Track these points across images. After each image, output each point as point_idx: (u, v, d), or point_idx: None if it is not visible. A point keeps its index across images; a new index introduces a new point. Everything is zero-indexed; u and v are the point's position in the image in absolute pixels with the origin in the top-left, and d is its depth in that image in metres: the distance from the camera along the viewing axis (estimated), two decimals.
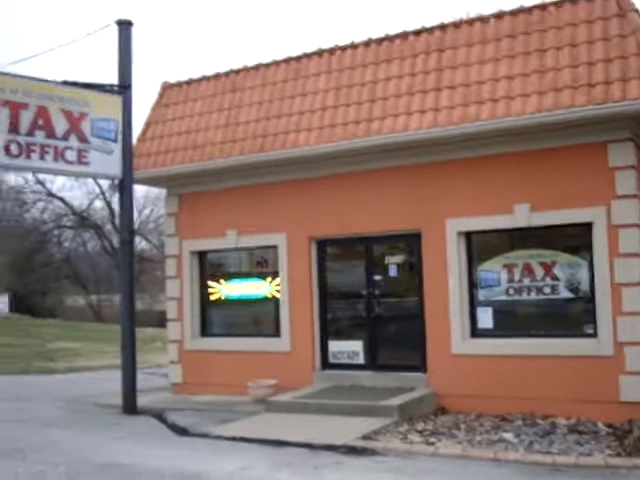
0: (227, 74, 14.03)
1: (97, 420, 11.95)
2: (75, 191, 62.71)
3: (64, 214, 47.87)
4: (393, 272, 12.49)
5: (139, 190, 38.13)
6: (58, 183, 47.10)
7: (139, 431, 10.94)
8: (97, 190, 45.69)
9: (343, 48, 12.82)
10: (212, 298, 14.28)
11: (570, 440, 9.38)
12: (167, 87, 14.78)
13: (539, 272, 11.16)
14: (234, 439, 9.84)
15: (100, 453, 9.33)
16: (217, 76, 14.16)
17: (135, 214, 25.50)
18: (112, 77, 13.09)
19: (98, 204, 47.45)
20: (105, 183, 41.86)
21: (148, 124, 14.59)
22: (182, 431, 10.67)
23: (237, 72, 13.93)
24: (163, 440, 10.13)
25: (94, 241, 49.67)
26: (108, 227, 47.25)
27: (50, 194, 46.27)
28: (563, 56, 10.68)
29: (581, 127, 10.59)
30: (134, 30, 12.68)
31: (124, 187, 12.52)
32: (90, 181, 42.99)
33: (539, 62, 10.81)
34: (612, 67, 10.29)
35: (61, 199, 46.77)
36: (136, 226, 35.55)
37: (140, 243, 45.66)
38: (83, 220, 47.55)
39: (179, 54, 75.88)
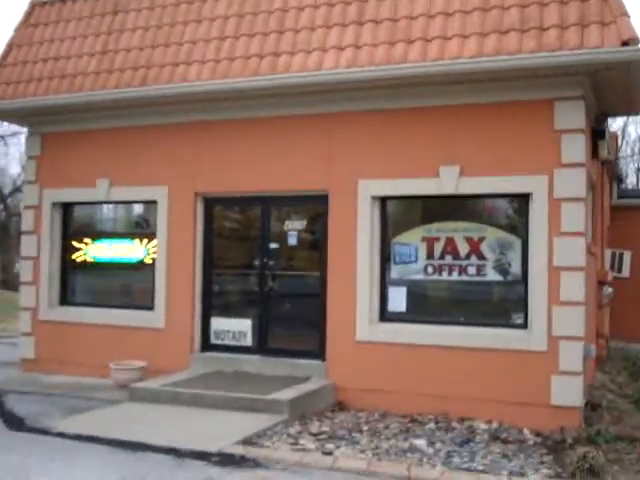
0: None
1: None
2: None
3: None
4: (292, 240, 10.52)
5: None
6: None
7: None
8: None
9: None
10: (76, 260, 11.94)
11: (494, 451, 7.72)
12: (37, 5, 12.23)
13: (464, 249, 9.46)
14: (80, 437, 7.70)
15: None
16: None
17: None
18: None
19: None
20: None
21: (10, 47, 12.04)
22: (17, 423, 8.44)
23: None
24: None
25: None
26: None
27: None
28: None
29: (526, 79, 8.91)
30: None
31: None
32: None
33: None
34: (568, 9, 8.63)
35: None
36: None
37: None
38: None
39: None
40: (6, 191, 40.95)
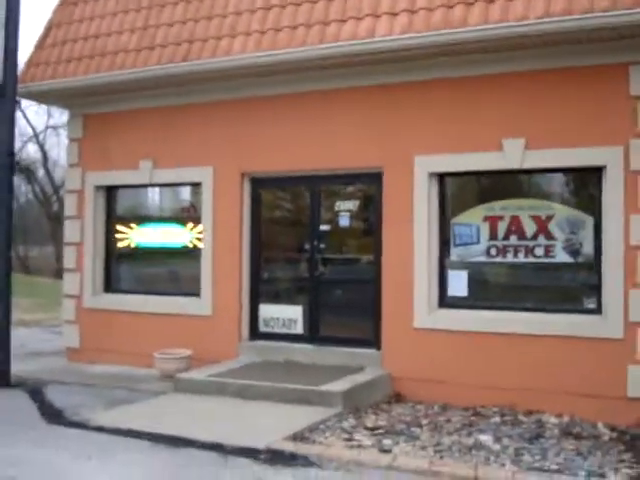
0: None
1: None
2: None
3: None
4: (345, 222, 9.90)
5: None
6: None
7: None
8: (30, 132, 42.04)
9: None
10: (120, 245, 11.53)
11: (568, 448, 7.00)
12: None
13: (530, 228, 8.72)
14: (119, 432, 7.21)
15: None
16: None
17: None
18: None
19: (31, 148, 43.73)
20: (40, 124, 38.26)
21: (49, 27, 11.62)
22: (55, 416, 8.00)
23: None
24: (22, 429, 7.39)
25: (24, 187, 45.93)
26: (41, 172, 43.61)
27: None
28: None
29: (598, 42, 8.11)
30: None
31: (4, 96, 9.63)
32: (23, 122, 39.37)
33: None
34: None
35: None
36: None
37: None
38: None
39: None
40: (59, 182, 41.16)
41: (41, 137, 42.03)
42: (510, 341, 8.57)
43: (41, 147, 42.61)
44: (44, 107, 34.66)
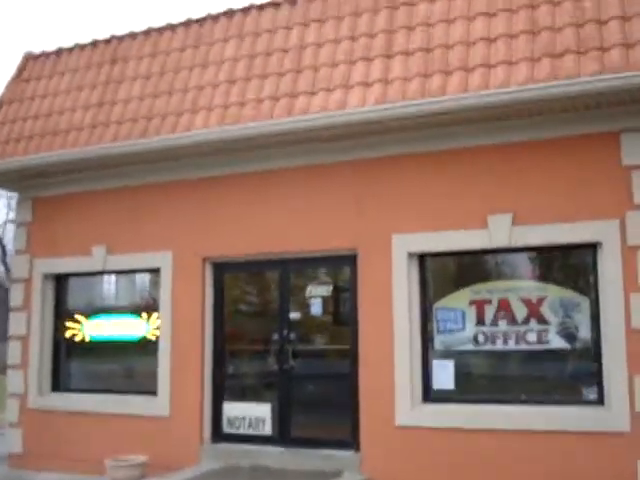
0: (108, 41, 10.53)
1: None
2: None
3: None
4: (317, 309, 9.04)
5: None
6: None
7: None
8: None
9: (261, 7, 9.59)
10: (70, 339, 10.48)
11: None
12: (30, 58, 11.14)
13: (521, 312, 7.95)
14: None
15: None
16: (95, 44, 10.64)
17: None
18: None
19: None
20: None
21: (0, 104, 10.94)
22: None
23: (120, 39, 10.47)
24: None
25: None
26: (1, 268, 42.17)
27: None
28: (561, 12, 7.73)
29: (585, 110, 7.59)
30: None
31: None
32: None
33: (529, 19, 7.82)
34: (631, 26, 7.36)
35: None
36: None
37: None
38: None
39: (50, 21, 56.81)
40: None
41: (0, 231, 40.94)
42: (504, 438, 7.66)
43: (0, 242, 41.48)
44: (4, 200, 33.71)
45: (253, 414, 9.12)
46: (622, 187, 7.50)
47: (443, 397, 8.16)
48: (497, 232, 7.87)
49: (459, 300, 8.22)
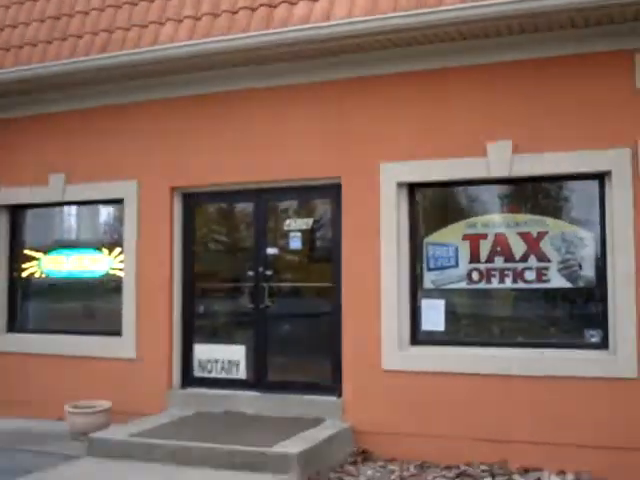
0: None
1: None
2: None
3: None
4: (296, 243, 8.32)
5: None
6: None
7: None
8: None
9: None
10: (27, 276, 9.70)
11: None
12: None
13: (519, 248, 7.30)
14: None
15: None
16: None
17: None
18: None
19: None
20: None
21: None
22: None
23: None
24: None
25: None
26: None
27: None
28: None
29: (595, 26, 6.83)
30: None
31: None
32: None
33: None
34: None
35: None
36: None
37: None
38: None
39: None
40: None
41: None
42: (499, 384, 7.09)
43: None
44: None
45: (226, 356, 8.46)
46: (635, 113, 6.80)
47: (433, 339, 7.55)
48: (496, 161, 7.16)
49: (452, 234, 7.54)
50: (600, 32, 6.89)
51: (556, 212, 7.28)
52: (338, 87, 7.85)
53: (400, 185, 7.59)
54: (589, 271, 7.09)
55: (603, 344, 6.95)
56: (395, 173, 7.56)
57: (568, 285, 7.15)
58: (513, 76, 7.20)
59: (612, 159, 6.83)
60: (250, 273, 8.43)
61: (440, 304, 7.57)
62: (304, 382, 8.07)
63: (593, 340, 7.05)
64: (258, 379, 8.28)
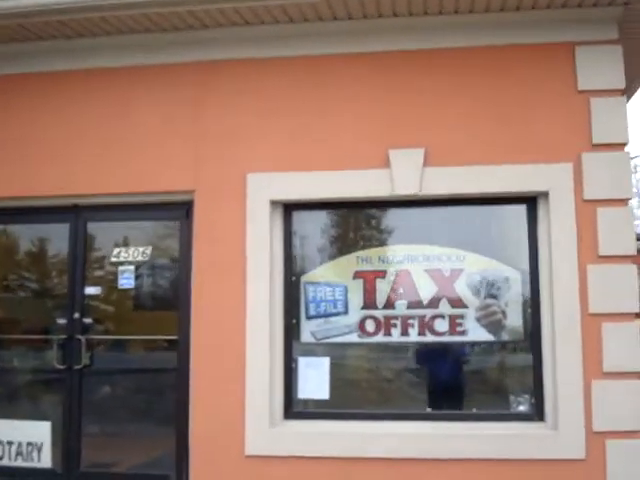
0: None
1: None
2: None
3: None
4: (127, 281, 6.10)
5: None
6: None
7: None
8: None
9: None
10: None
11: None
12: None
13: (428, 290, 5.61)
14: None
15: None
16: None
17: None
18: None
19: None
20: None
21: None
22: None
23: None
24: None
25: None
26: None
27: None
28: None
29: (529, 9, 5.41)
30: None
31: None
32: None
33: None
34: None
35: None
36: None
37: None
38: None
39: None
40: None
41: None
42: (402, 468, 5.28)
43: None
44: None
45: (24, 437, 6.06)
46: (578, 119, 5.39)
47: (313, 411, 5.64)
48: (402, 174, 5.46)
49: (340, 271, 5.72)
50: (535, 18, 5.46)
51: (476, 244, 5.63)
52: (197, 71, 5.89)
53: (274, 204, 5.69)
54: (516, 320, 5.50)
55: (537, 415, 5.35)
56: (267, 187, 5.66)
57: (489, 338, 5.53)
58: (426, 67, 5.60)
59: (550, 177, 5.34)
60: (61, 321, 6.12)
61: (323, 363, 5.69)
62: (133, 474, 5.82)
63: (522, 409, 5.43)
64: (68, 469, 5.92)
